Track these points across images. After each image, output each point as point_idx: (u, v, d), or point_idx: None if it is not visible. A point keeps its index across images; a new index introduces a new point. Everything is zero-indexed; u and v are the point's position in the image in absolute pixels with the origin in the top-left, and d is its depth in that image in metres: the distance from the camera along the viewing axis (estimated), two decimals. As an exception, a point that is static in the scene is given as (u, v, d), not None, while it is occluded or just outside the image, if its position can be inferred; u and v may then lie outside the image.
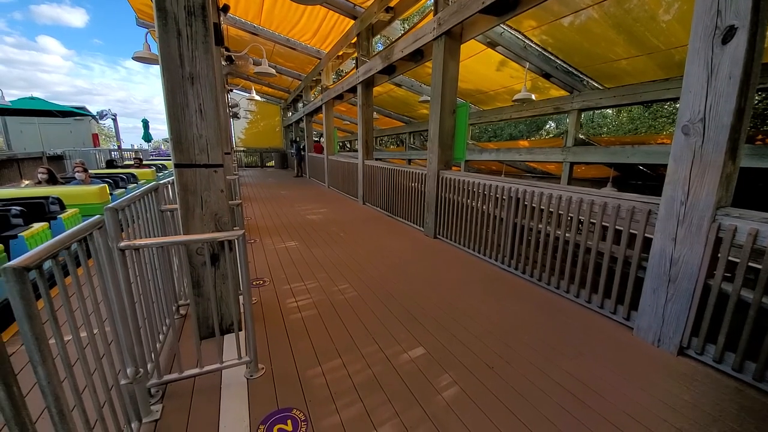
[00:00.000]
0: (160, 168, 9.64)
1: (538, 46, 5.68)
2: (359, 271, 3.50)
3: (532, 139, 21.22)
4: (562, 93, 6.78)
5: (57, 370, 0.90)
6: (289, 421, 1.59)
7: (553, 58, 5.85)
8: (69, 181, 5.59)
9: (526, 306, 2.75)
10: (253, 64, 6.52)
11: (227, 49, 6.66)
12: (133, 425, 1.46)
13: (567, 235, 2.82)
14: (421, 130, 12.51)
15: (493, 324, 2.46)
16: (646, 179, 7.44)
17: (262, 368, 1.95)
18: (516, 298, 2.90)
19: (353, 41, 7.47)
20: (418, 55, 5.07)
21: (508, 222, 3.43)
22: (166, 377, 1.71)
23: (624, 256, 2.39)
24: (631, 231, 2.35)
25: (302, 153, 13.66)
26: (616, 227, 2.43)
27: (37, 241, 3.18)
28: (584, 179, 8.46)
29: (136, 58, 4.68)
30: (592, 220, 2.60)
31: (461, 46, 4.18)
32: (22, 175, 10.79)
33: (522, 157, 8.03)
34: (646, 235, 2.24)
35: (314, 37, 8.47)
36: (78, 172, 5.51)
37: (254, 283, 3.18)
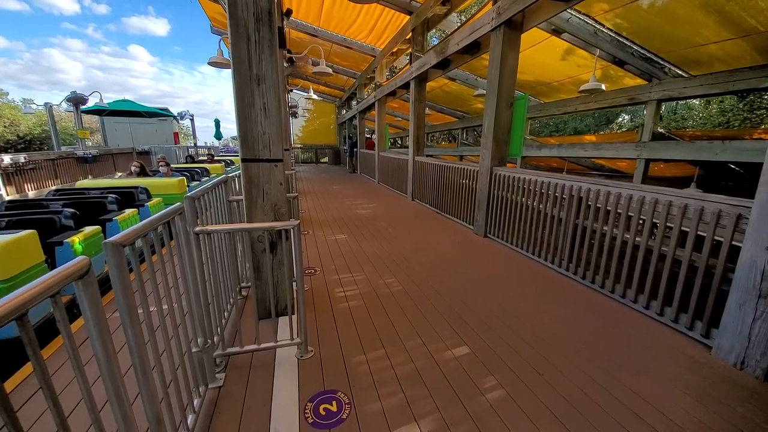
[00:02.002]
0: (228, 163, 10.57)
1: (611, 30, 5.15)
2: (405, 266, 3.52)
3: (601, 133, 19.36)
4: (639, 82, 6.09)
5: (142, 333, 1.06)
6: (334, 402, 1.67)
7: (628, 43, 5.27)
8: (154, 173, 6.39)
9: (585, 313, 2.55)
10: (312, 64, 6.83)
11: (289, 51, 7.05)
12: (200, 389, 1.65)
13: (637, 239, 2.55)
14: (475, 126, 12.11)
15: (546, 329, 2.33)
16: (741, 180, 6.40)
17: (312, 351, 2.08)
18: (573, 304, 2.71)
19: (408, 37, 7.46)
20: (474, 48, 4.90)
21: (568, 223, 3.20)
22: (230, 350, 1.90)
23: (706, 265, 2.11)
24: (715, 237, 2.06)
25: (355, 149, 14.03)
26: (698, 233, 2.15)
27: (128, 224, 3.71)
28: (662, 178, 7.52)
29: (211, 63, 5.18)
30: (669, 224, 2.32)
31: (522, 35, 3.96)
32: (116, 167, 12.54)
33: (588, 153, 7.39)
34: (733, 242, 1.95)
35: (370, 35, 8.62)
36: (161, 166, 6.28)
37: (306, 271, 3.37)
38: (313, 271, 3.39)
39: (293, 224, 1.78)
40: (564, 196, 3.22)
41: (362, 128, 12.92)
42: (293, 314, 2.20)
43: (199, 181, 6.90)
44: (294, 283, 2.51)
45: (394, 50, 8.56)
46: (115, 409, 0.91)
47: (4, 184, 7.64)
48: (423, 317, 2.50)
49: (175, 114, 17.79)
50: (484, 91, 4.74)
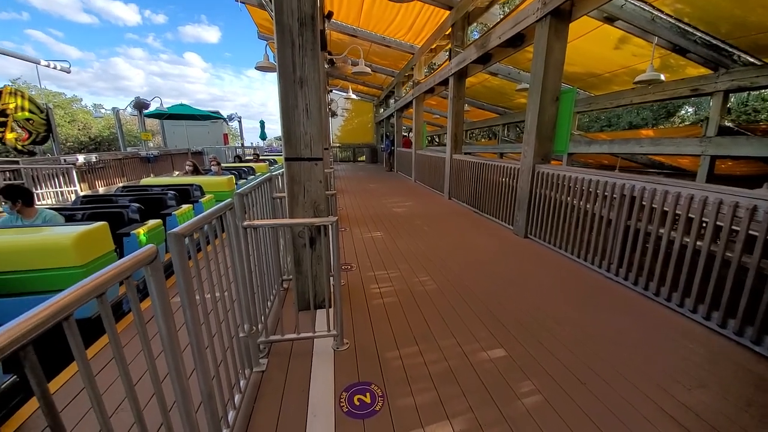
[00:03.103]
0: (272, 162, 11.11)
1: (671, 17, 4.71)
2: (441, 265, 3.50)
3: (660, 127, 17.72)
4: (703, 71, 5.51)
5: (199, 316, 1.17)
6: (367, 394, 1.72)
7: (691, 30, 4.79)
8: (206, 172, 6.89)
9: (636, 322, 2.38)
10: (351, 64, 6.97)
11: (329, 53, 7.25)
12: (246, 372, 1.77)
13: (698, 243, 2.33)
14: (517, 122, 11.63)
15: (589, 336, 2.21)
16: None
17: (347, 343, 2.15)
18: (622, 311, 2.53)
19: (447, 32, 7.34)
20: (517, 40, 4.72)
21: (618, 224, 2.99)
22: (272, 337, 2.02)
23: (784, 275, 1.87)
24: (797, 244, 1.83)
25: (392, 148, 14.09)
26: (774, 238, 1.91)
27: (184, 218, 4.04)
28: (730, 177, 6.74)
29: (258, 68, 5.48)
30: (734, 227, 2.09)
31: (570, 25, 3.75)
32: (174, 166, 13.67)
33: (644, 149, 6.82)
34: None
35: (408, 33, 8.60)
36: (213, 165, 6.76)
37: (343, 267, 3.46)
38: (349, 266, 3.48)
39: (331, 220, 1.85)
40: (615, 196, 3.01)
41: (399, 126, 12.93)
42: (330, 307, 2.29)
43: (246, 179, 7.32)
44: (331, 278, 2.60)
45: (433, 47, 8.46)
46: (175, 382, 1.02)
47: (79, 181, 8.65)
48: (458, 317, 2.47)
49: (225, 116, 19.00)
50: (528, 86, 4.55)
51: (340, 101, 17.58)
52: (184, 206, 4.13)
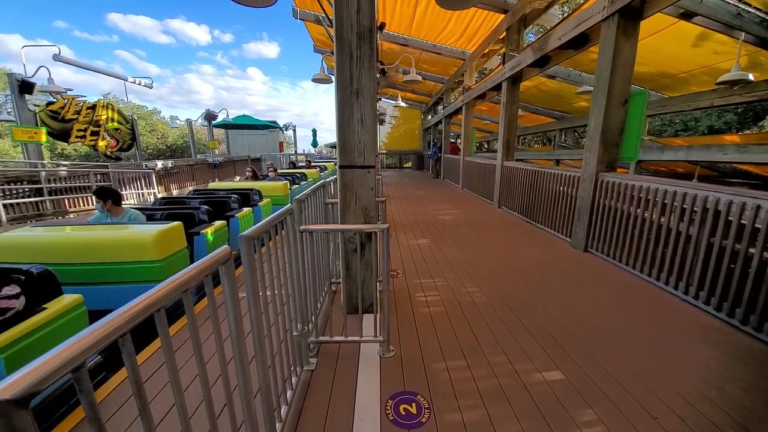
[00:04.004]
0: (322, 169, 11.58)
1: (760, 10, 4.12)
2: (489, 276, 3.37)
3: (747, 132, 15.49)
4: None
5: (261, 309, 1.25)
6: (413, 405, 1.70)
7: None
8: (264, 177, 7.38)
9: (722, 353, 2.08)
10: (402, 73, 7.07)
11: (381, 63, 7.43)
12: (297, 369, 1.85)
13: (805, 267, 1.98)
14: (576, 126, 10.91)
15: (663, 366, 1.98)
16: None
17: (393, 350, 2.15)
18: (704, 339, 2.23)
19: (501, 36, 7.15)
20: (580, 41, 4.44)
21: (699, 241, 2.66)
22: (321, 338, 2.09)
23: None
24: None
25: (439, 154, 13.97)
26: None
27: (245, 221, 4.37)
28: None
29: (315, 80, 5.78)
30: None
31: (641, 22, 3.45)
32: (235, 172, 14.84)
33: (728, 157, 6.00)
34: None
35: (460, 39, 8.52)
36: (270, 171, 7.23)
37: (389, 273, 3.48)
38: (395, 273, 3.49)
39: (383, 227, 1.87)
40: (696, 209, 2.69)
41: (447, 133, 12.79)
42: (377, 313, 2.31)
43: (299, 184, 7.71)
44: (379, 283, 2.63)
45: (486, 51, 8.29)
46: (239, 368, 1.10)
47: (157, 184, 9.77)
48: (509, 332, 2.36)
49: (282, 126, 20.29)
50: (590, 88, 4.25)
51: (389, 109, 17.86)
52: (245, 209, 4.46)
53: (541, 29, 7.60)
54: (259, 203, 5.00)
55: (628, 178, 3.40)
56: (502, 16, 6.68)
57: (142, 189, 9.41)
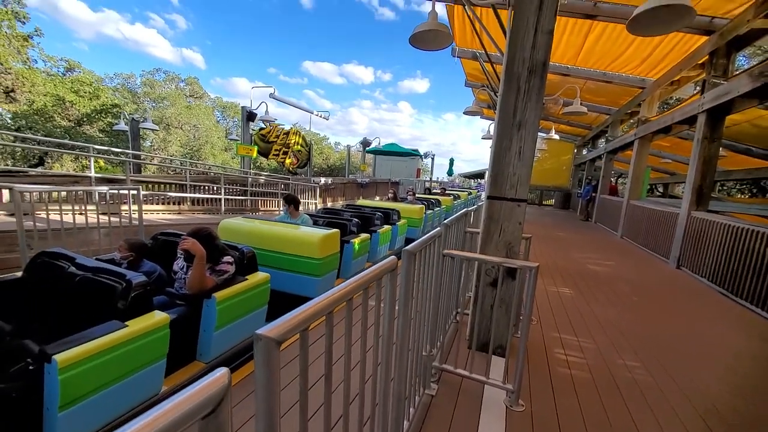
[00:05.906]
0: (456, 197, 11.67)
1: None
2: (658, 351, 2.66)
3: None
4: None
5: (409, 319, 1.35)
6: (546, 476, 1.48)
7: None
8: (403, 200, 7.96)
9: None
10: (563, 104, 6.57)
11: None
12: (421, 389, 1.88)
13: None
14: (825, 176, 7.68)
15: None
16: None
17: (523, 405, 1.93)
18: None
19: (701, 61, 5.82)
20: None
21: None
22: (445, 366, 2.07)
23: None
24: None
25: (592, 194, 12.09)
26: None
27: (384, 237, 4.79)
28: None
29: (466, 112, 5.99)
30: None
31: None
32: (376, 192, 16.48)
33: None
34: None
35: (641, 65, 7.35)
36: (409, 194, 7.75)
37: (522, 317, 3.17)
38: (532, 320, 3.16)
39: (532, 266, 1.76)
40: None
41: (608, 170, 10.99)
42: (509, 358, 2.14)
43: (433, 210, 7.98)
44: (513, 327, 2.44)
45: (677, 78, 6.86)
46: (382, 371, 1.21)
47: (319, 197, 11.81)
48: (688, 434, 1.79)
49: (422, 154, 21.63)
50: None
51: (537, 142, 16.74)
52: (386, 226, 4.91)
53: (759, 51, 5.81)
54: (397, 223, 5.40)
55: None
56: (704, 38, 5.45)
57: (308, 199, 11.55)
